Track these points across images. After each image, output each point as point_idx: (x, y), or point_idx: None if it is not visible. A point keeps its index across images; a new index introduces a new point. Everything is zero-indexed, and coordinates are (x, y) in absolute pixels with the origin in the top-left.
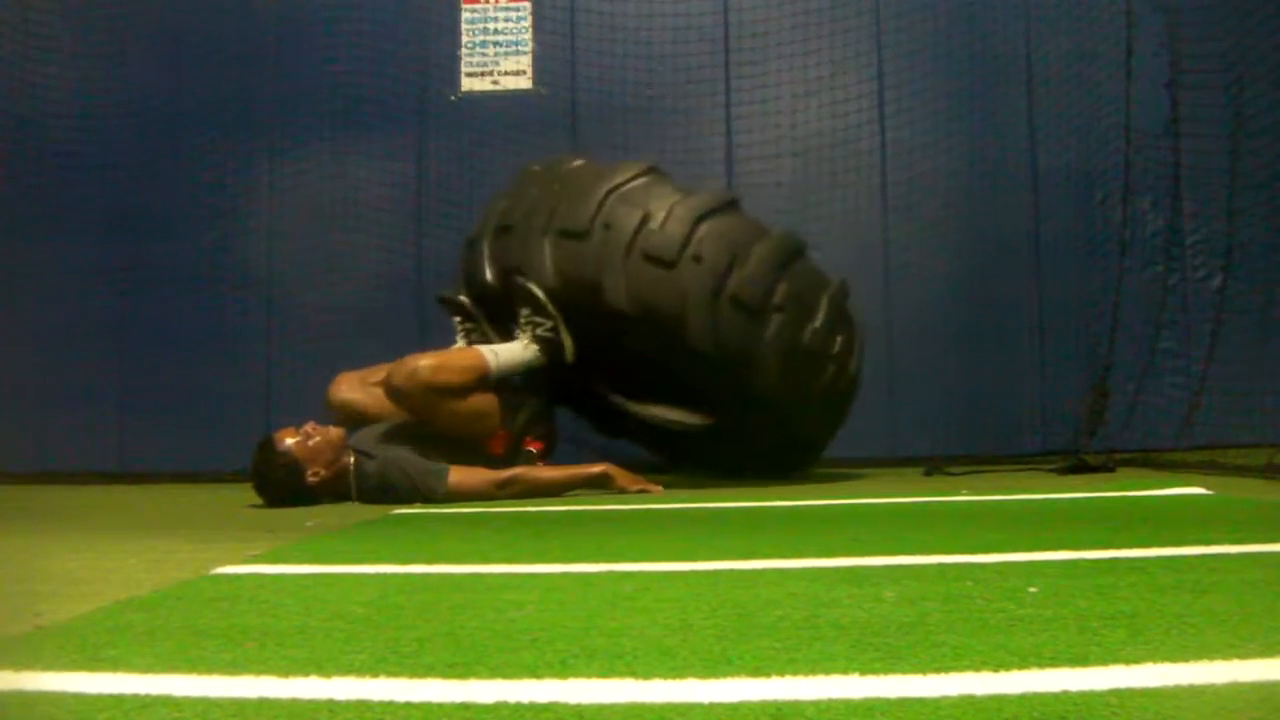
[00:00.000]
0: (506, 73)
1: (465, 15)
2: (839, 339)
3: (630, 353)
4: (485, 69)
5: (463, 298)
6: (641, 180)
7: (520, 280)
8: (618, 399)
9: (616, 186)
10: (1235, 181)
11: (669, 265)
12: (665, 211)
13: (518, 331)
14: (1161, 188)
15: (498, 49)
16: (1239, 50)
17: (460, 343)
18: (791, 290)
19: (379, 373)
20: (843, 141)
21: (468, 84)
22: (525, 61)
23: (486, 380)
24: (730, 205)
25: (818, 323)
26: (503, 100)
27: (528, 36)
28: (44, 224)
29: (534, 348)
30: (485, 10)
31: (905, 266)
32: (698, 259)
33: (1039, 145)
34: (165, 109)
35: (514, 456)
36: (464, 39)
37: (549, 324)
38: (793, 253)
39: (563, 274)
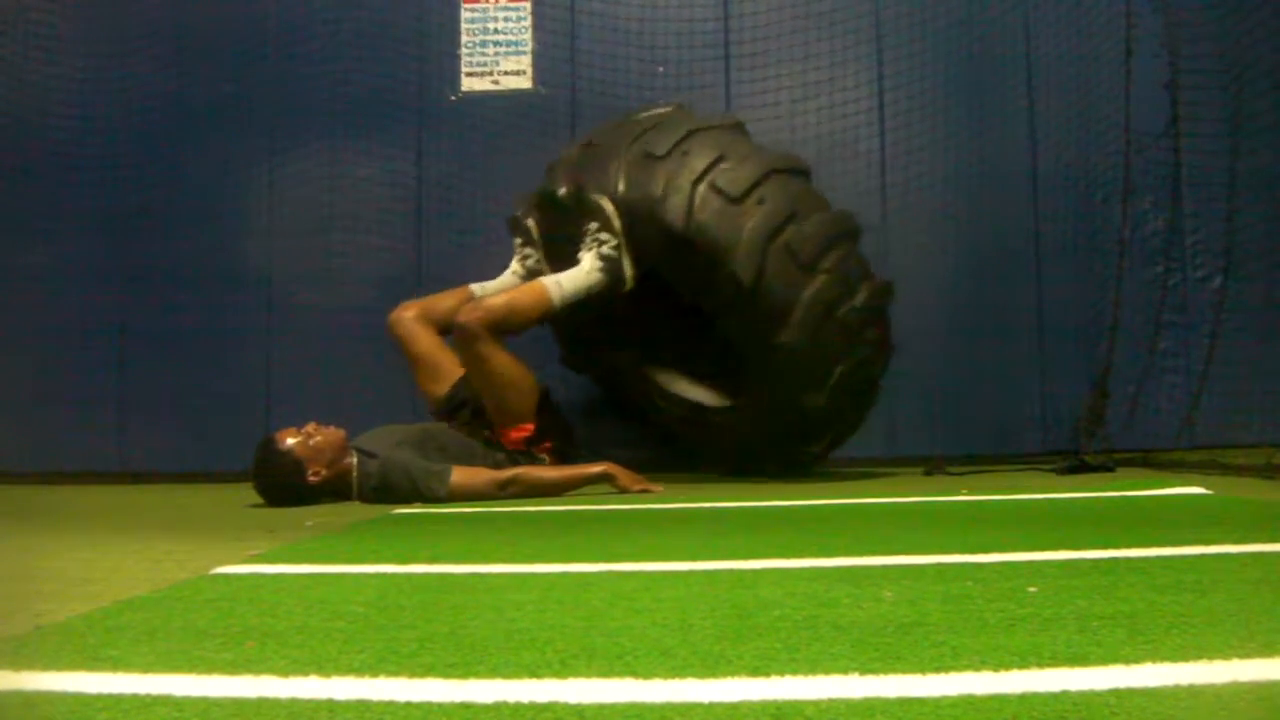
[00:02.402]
0: (506, 73)
1: (465, 15)
2: (871, 332)
3: (666, 304)
4: (485, 69)
5: (528, 221)
6: (727, 129)
7: (592, 195)
8: (645, 368)
9: (703, 128)
10: (1235, 181)
11: (733, 200)
12: (742, 157)
13: (581, 250)
14: (1161, 188)
15: (498, 49)
16: (1239, 50)
17: (515, 266)
18: (839, 262)
19: (441, 303)
20: (843, 142)
21: (468, 84)
22: (525, 61)
23: (552, 313)
24: (803, 172)
25: (857, 303)
26: (503, 100)
27: (528, 36)
28: (44, 224)
29: (596, 271)
30: (485, 10)
31: (905, 266)
32: (761, 202)
33: (1039, 145)
34: (165, 109)
35: (526, 453)
36: (464, 39)
37: (613, 241)
38: (850, 232)
39: (631, 187)
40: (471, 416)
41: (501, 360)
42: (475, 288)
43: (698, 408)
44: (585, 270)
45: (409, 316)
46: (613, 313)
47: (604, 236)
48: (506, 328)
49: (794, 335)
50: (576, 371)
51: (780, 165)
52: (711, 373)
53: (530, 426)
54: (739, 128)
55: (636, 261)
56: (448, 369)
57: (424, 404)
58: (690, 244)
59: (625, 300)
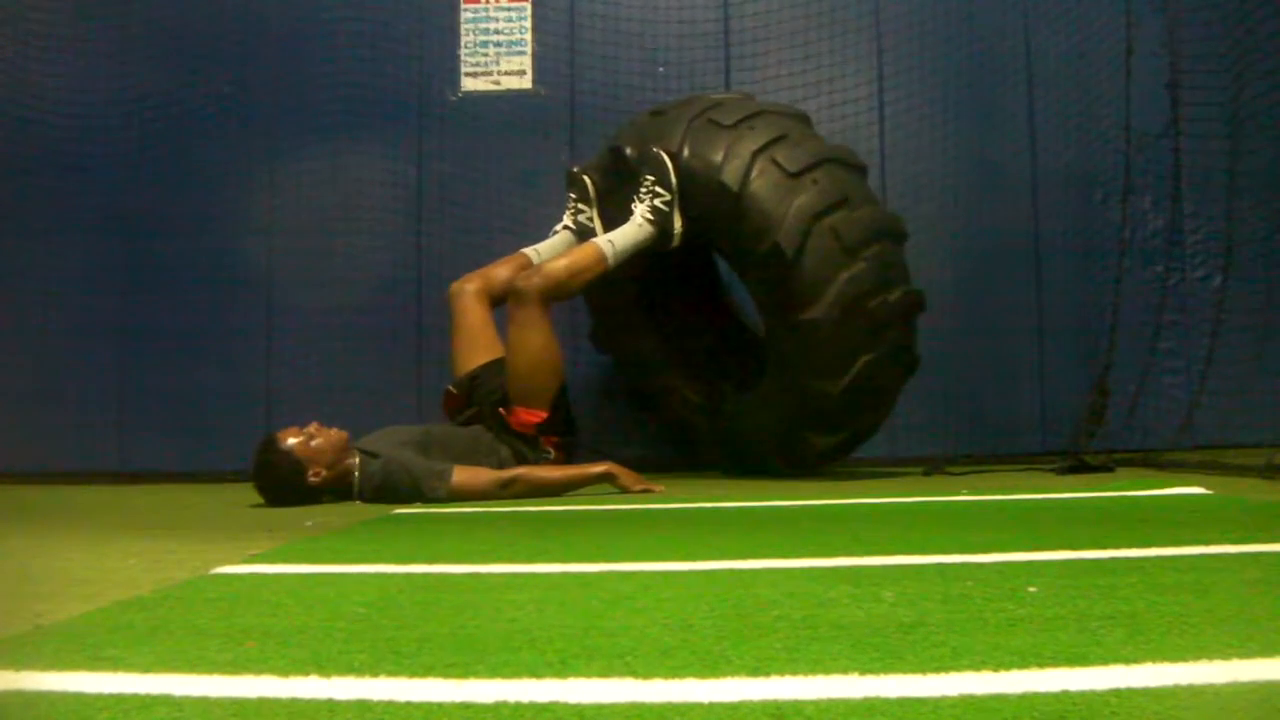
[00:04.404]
0: (506, 73)
1: (465, 15)
2: (898, 333)
3: (695, 296)
4: (485, 69)
5: (585, 177)
6: (793, 116)
7: (654, 149)
8: (670, 354)
9: (770, 110)
10: (1235, 181)
11: (789, 175)
12: (803, 139)
13: (635, 202)
14: (1161, 188)
15: (498, 49)
16: (1239, 50)
17: (567, 220)
18: (881, 257)
19: (499, 274)
20: (842, 142)
21: (468, 84)
22: (525, 61)
23: (608, 272)
24: (860, 168)
25: (890, 299)
26: (503, 100)
27: (528, 36)
28: (44, 224)
29: (647, 224)
30: (485, 10)
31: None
32: (816, 182)
33: (1039, 145)
34: (165, 109)
35: (536, 443)
36: (464, 39)
37: (667, 196)
38: (896, 233)
39: (693, 151)
40: (488, 405)
41: (543, 333)
42: (529, 251)
43: (714, 396)
44: (636, 223)
45: (471, 290)
46: (645, 299)
47: (659, 190)
48: (566, 291)
49: (823, 314)
50: (601, 351)
51: (839, 156)
52: (731, 366)
53: (544, 414)
54: (805, 118)
55: (686, 220)
56: (484, 347)
57: (425, 403)
58: (741, 209)
59: (657, 287)
